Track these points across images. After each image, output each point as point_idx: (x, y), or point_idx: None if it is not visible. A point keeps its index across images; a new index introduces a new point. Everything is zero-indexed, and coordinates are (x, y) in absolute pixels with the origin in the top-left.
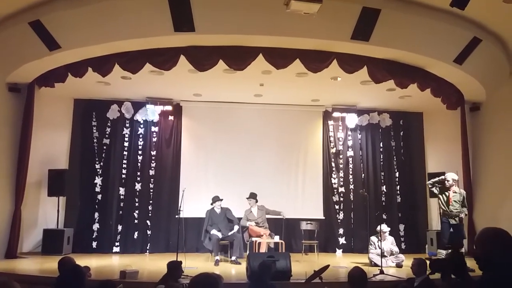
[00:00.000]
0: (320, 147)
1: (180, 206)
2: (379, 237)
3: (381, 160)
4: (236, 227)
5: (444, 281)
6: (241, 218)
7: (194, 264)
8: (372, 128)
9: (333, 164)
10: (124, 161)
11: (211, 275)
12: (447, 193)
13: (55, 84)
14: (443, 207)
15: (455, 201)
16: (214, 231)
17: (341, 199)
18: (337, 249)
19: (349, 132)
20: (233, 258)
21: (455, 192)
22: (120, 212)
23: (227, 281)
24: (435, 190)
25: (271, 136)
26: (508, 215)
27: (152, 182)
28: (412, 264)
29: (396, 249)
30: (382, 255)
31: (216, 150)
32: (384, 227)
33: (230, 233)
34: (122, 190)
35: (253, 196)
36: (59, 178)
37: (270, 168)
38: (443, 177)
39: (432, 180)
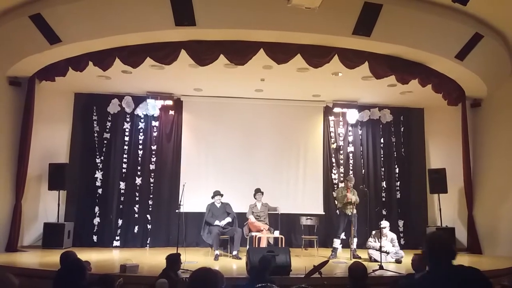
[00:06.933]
0: (320, 142)
1: (180, 201)
2: (380, 233)
3: (382, 156)
4: (228, 219)
5: None
6: (240, 213)
7: (194, 258)
8: (372, 124)
9: (333, 160)
10: (125, 156)
11: (211, 270)
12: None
13: (56, 78)
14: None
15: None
16: (216, 222)
17: None
18: None
19: (350, 128)
20: (235, 253)
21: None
22: (121, 206)
23: (227, 276)
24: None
25: (271, 131)
26: (509, 212)
27: (152, 176)
28: (413, 259)
29: (393, 249)
30: (383, 251)
31: (216, 144)
32: (384, 223)
33: (224, 222)
34: (122, 185)
35: (260, 191)
36: (59, 172)
37: (270, 163)
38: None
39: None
